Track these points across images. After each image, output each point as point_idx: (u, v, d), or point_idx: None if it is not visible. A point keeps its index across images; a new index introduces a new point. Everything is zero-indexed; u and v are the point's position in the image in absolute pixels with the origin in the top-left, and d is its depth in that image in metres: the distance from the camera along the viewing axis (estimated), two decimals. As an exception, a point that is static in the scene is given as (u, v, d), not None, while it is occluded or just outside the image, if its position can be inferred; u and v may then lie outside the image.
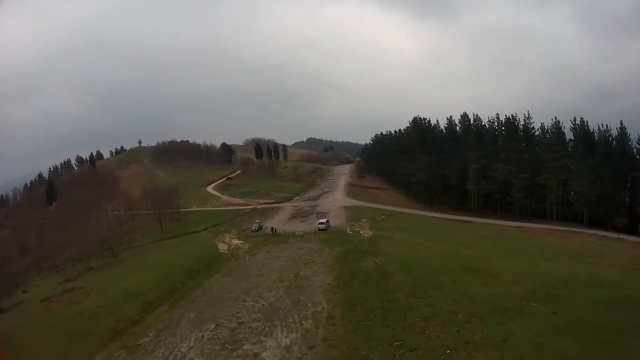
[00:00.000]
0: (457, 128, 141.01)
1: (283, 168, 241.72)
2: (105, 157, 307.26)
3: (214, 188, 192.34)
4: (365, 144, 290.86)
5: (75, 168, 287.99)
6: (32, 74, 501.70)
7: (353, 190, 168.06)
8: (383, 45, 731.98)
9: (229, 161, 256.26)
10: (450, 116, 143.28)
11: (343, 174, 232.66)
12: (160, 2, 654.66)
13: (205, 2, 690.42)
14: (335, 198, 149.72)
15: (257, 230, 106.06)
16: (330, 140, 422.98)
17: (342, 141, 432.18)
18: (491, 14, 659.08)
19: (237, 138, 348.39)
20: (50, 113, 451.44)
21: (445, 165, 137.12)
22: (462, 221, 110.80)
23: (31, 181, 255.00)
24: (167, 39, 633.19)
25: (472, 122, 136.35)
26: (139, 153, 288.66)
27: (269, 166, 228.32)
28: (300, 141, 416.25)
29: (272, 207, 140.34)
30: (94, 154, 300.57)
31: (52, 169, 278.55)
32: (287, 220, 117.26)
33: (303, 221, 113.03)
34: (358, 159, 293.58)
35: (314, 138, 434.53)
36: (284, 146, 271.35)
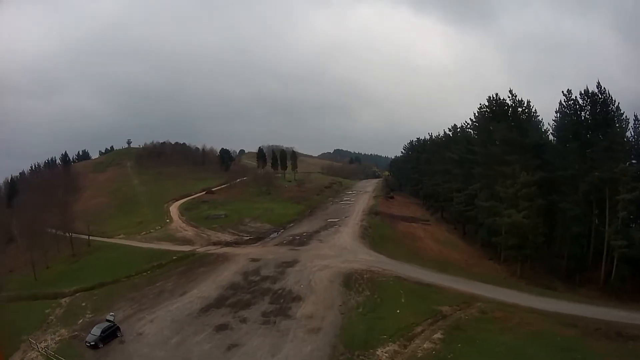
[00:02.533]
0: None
1: (290, 181, 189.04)
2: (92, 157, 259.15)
3: (182, 205, 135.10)
4: (396, 156, 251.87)
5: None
6: (54, 71, 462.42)
7: (374, 223, 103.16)
8: (415, 51, 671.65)
9: (226, 169, 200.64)
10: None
11: (366, 191, 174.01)
12: (186, 5, 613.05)
13: (232, 4, 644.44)
14: (339, 243, 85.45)
15: (95, 344, 47.65)
16: (358, 153, 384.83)
17: (371, 154, 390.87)
18: (530, 20, 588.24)
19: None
20: (73, 110, 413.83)
21: (558, 189, 70.12)
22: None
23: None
24: (196, 42, 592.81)
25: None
26: (124, 155, 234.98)
27: (264, 177, 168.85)
28: (327, 152, 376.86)
29: (214, 258, 79.09)
30: (80, 152, 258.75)
31: (34, 167, 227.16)
32: (182, 315, 54.62)
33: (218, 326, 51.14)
34: (387, 173, 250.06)
35: (341, 150, 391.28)
36: (294, 153, 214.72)
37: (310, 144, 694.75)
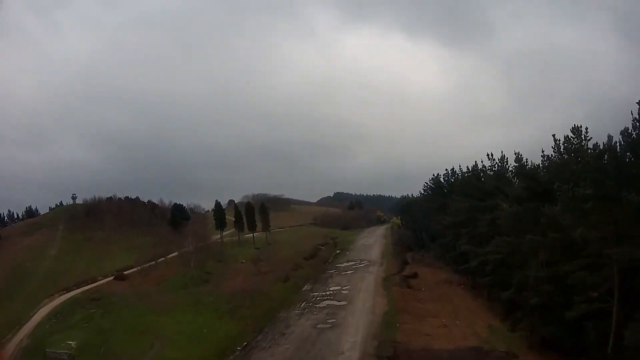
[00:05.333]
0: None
1: (258, 248, 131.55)
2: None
3: (58, 308, 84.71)
4: (403, 196, 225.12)
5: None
6: (40, 120, 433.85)
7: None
8: (410, 80, 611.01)
9: (179, 230, 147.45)
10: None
11: (370, 260, 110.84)
12: (166, 50, 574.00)
13: (212, 47, 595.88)
14: None
15: None
16: (359, 195, 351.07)
17: (373, 194, 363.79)
18: (524, 33, 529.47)
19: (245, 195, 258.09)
20: (61, 161, 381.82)
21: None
22: None
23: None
24: (178, 90, 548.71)
25: None
26: (64, 213, 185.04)
27: (209, 249, 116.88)
28: (327, 196, 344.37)
29: None
30: (26, 209, 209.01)
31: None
32: None
33: None
34: (396, 220, 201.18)
35: (342, 192, 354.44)
36: (263, 207, 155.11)
37: (309, 189, 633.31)
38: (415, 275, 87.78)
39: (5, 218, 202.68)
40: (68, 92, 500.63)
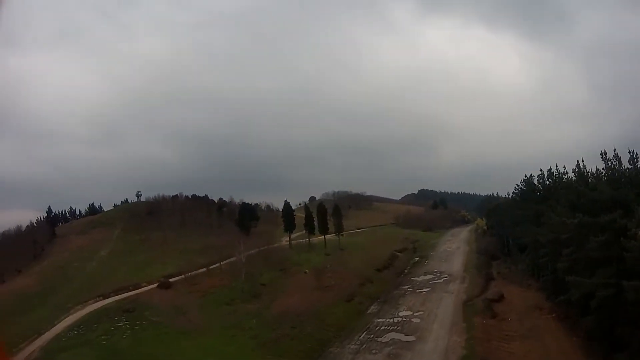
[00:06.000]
0: None
1: (328, 255, 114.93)
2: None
3: (84, 319, 74.95)
4: (488, 195, 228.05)
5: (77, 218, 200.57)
6: (115, 118, 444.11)
7: None
8: (493, 74, 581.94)
9: (247, 232, 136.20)
10: None
11: (450, 274, 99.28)
12: (243, 47, 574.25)
13: (291, 42, 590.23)
14: None
15: None
16: (443, 192, 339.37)
17: (457, 192, 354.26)
18: (605, 23, 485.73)
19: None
20: (138, 159, 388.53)
21: None
22: None
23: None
24: (258, 87, 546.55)
25: None
26: (125, 211, 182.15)
27: (266, 256, 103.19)
28: (411, 194, 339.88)
29: None
30: (89, 206, 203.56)
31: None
32: None
33: None
34: (481, 222, 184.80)
35: (426, 190, 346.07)
36: (336, 208, 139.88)
37: (392, 186, 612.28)
38: (500, 299, 73.09)
39: (67, 215, 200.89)
40: (145, 91, 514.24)
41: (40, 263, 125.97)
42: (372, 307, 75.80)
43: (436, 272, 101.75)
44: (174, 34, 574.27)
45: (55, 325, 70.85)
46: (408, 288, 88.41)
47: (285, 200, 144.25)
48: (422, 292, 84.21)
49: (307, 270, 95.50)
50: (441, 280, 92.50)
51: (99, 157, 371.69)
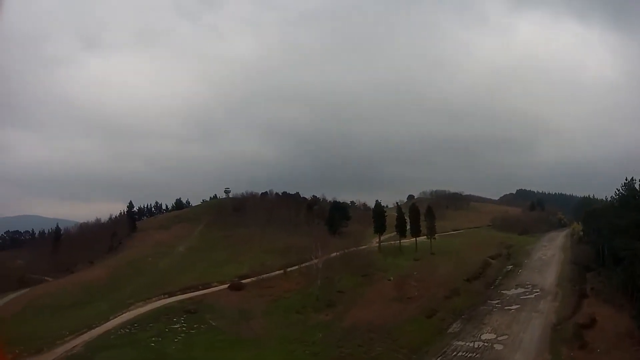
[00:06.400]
0: None
1: (417, 260, 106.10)
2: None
3: (139, 317, 70.34)
4: (585, 197, 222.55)
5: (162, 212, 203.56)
6: (212, 117, 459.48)
7: None
8: (585, 67, 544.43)
9: (336, 232, 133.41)
10: None
11: (545, 276, 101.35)
12: (337, 45, 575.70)
13: (387, 38, 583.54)
14: None
15: None
16: (541, 193, 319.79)
17: (555, 193, 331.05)
18: None
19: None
20: (234, 155, 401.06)
21: None
22: None
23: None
24: (356, 84, 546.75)
25: None
26: (210, 207, 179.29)
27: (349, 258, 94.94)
28: (509, 193, 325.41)
29: None
30: (176, 201, 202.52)
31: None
32: None
33: None
34: (577, 226, 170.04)
35: (524, 190, 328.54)
36: (429, 210, 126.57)
37: (490, 185, 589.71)
38: (591, 324, 65.10)
39: (153, 209, 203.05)
40: (242, 91, 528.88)
41: (114, 256, 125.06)
42: (454, 325, 68.68)
43: (528, 285, 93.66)
44: (263, 33, 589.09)
45: (110, 320, 66.61)
46: (496, 304, 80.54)
47: (377, 200, 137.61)
48: (510, 309, 76.51)
49: (391, 278, 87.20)
50: (532, 296, 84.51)
51: (194, 154, 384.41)
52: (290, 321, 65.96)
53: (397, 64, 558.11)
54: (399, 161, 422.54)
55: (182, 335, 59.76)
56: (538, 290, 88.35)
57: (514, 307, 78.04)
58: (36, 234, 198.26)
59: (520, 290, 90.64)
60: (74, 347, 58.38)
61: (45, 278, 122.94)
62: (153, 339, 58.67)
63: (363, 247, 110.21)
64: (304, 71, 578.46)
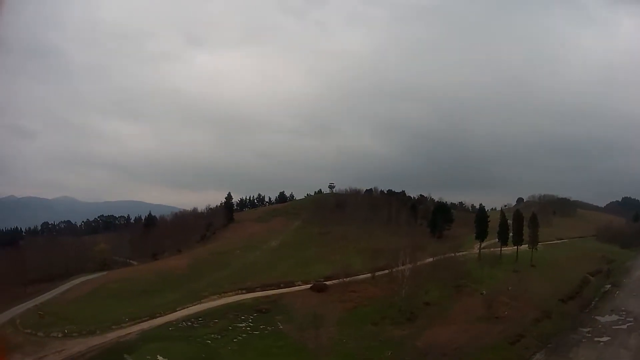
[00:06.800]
0: None
1: (517, 271, 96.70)
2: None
3: (227, 306, 71.01)
4: None
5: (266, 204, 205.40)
6: (324, 110, 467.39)
7: None
8: None
9: (438, 234, 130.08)
10: None
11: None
12: (447, 41, 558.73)
13: (496, 36, 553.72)
14: None
15: None
16: None
17: None
18: None
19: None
20: (346, 150, 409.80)
21: None
22: None
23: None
24: (465, 82, 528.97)
25: None
26: (311, 203, 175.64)
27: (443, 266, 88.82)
28: (615, 201, 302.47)
29: None
30: (280, 194, 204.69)
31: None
32: None
33: None
34: None
35: (630, 198, 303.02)
36: (533, 217, 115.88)
37: (597, 191, 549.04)
38: None
39: (255, 201, 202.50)
40: (353, 86, 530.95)
41: (204, 246, 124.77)
42: (537, 356, 61.53)
43: (622, 311, 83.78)
44: (370, 28, 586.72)
45: (177, 311, 64.65)
46: (587, 333, 72.19)
47: (480, 205, 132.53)
48: (599, 342, 67.92)
49: (483, 292, 79.18)
50: (625, 327, 75.33)
51: (304, 147, 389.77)
52: (362, 334, 59.91)
53: (506, 61, 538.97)
54: (510, 162, 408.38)
55: (243, 335, 56.30)
56: (631, 319, 78.91)
57: (603, 339, 69.74)
58: (132, 219, 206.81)
59: (614, 317, 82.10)
60: (128, 334, 57.47)
61: (130, 262, 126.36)
62: (212, 335, 56.06)
63: (462, 253, 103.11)
64: (414, 67, 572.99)
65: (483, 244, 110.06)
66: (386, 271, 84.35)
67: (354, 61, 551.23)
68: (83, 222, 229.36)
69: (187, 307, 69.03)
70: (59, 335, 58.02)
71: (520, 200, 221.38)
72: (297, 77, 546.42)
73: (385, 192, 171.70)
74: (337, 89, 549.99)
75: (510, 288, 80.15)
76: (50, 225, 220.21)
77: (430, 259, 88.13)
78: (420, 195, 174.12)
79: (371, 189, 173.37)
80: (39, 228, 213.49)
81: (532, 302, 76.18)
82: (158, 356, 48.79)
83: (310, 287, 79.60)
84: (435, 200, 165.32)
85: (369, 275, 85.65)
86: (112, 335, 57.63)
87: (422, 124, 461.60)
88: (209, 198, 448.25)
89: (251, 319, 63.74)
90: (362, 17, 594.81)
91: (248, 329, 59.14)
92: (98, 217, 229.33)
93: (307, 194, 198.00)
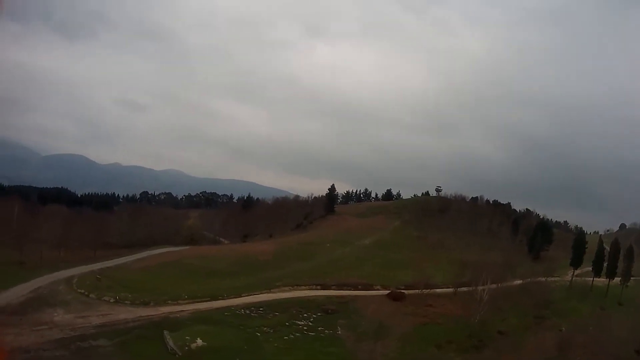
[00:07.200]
0: None
1: (591, 325, 75.50)
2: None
3: (292, 301, 68.46)
4: None
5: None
6: (443, 110, 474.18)
7: None
8: None
9: (535, 255, 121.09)
10: None
11: None
12: (565, 49, 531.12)
13: (608, 44, 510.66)
14: None
15: None
16: None
17: None
18: None
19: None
20: (466, 151, 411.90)
21: None
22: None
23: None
24: (582, 92, 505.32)
25: None
26: (414, 204, 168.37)
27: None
28: None
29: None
30: (387, 191, 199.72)
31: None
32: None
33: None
34: None
35: None
36: (630, 249, 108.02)
37: None
38: None
39: (361, 195, 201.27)
40: (471, 88, 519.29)
41: (297, 235, 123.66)
42: None
43: None
44: (489, 30, 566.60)
45: (241, 297, 64.24)
46: None
47: (580, 229, 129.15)
48: None
49: (563, 328, 71.50)
50: None
51: (420, 145, 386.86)
52: (420, 356, 55.08)
53: (625, 74, 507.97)
54: (622, 183, 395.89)
55: (297, 334, 53.96)
56: None
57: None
58: (235, 199, 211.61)
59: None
60: (181, 311, 57.54)
61: (221, 240, 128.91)
62: (265, 328, 54.49)
63: (553, 278, 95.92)
64: (532, 73, 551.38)
65: (577, 272, 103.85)
66: (472, 287, 76.48)
67: (471, 61, 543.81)
68: (185, 195, 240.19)
69: (254, 295, 68.23)
70: (111, 301, 59.35)
71: (622, 226, 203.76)
72: (416, 73, 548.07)
73: (491, 202, 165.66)
74: (454, 88, 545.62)
75: (591, 328, 70.62)
76: (150, 195, 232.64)
77: (519, 282, 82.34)
78: (526, 209, 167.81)
79: (477, 197, 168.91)
80: (138, 196, 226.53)
81: (607, 351, 64.46)
82: (198, 339, 48.38)
83: (387, 294, 74.78)
84: (540, 216, 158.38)
85: (451, 289, 79.87)
86: (164, 310, 57.92)
87: (536, 133, 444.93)
88: (321, 186, 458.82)
89: (313, 318, 61.36)
90: (481, 18, 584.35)
91: (305, 328, 56.66)
92: (200, 192, 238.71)
93: (414, 195, 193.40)
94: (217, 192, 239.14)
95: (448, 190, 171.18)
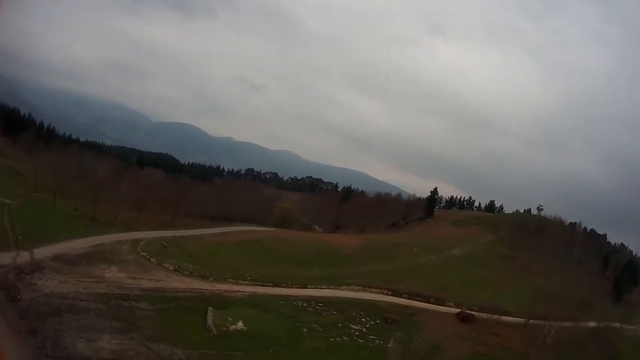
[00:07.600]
0: None
1: None
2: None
3: (361, 302, 67.83)
4: None
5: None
6: (553, 125, 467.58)
7: None
8: None
9: (617, 295, 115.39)
10: None
11: None
12: None
13: None
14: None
15: None
16: None
17: None
18: None
19: None
20: (571, 172, 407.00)
21: None
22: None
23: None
24: None
25: None
26: (509, 220, 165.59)
27: None
28: None
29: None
30: (489, 202, 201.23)
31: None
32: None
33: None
34: None
35: None
36: None
37: None
38: None
39: (464, 203, 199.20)
40: (585, 106, 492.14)
41: (389, 234, 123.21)
42: None
43: None
44: (607, 48, 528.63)
45: (305, 288, 65.19)
46: None
47: None
48: None
49: None
50: None
51: (531, 159, 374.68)
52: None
53: None
54: None
55: (344, 338, 52.77)
56: None
57: None
58: (339, 188, 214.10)
59: None
60: (237, 291, 58.81)
61: (315, 227, 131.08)
62: (314, 325, 54.26)
63: (632, 326, 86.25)
64: None
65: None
66: (545, 322, 68.78)
67: (588, 79, 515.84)
68: (290, 177, 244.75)
69: (319, 289, 67.86)
70: (170, 268, 61.87)
71: None
72: (531, 83, 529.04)
73: (588, 230, 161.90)
74: (570, 105, 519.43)
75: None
76: (255, 172, 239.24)
77: (593, 324, 74.24)
78: (621, 244, 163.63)
79: (575, 223, 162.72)
80: (243, 172, 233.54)
81: None
82: (240, 322, 49.22)
83: (457, 313, 71.66)
84: (634, 253, 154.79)
85: (522, 320, 73.19)
86: (220, 287, 59.31)
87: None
88: (429, 186, 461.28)
89: (370, 324, 59.18)
90: (598, 35, 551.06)
91: (356, 333, 55.18)
92: (306, 177, 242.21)
93: (517, 210, 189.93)
94: (324, 179, 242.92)
95: (547, 210, 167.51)
